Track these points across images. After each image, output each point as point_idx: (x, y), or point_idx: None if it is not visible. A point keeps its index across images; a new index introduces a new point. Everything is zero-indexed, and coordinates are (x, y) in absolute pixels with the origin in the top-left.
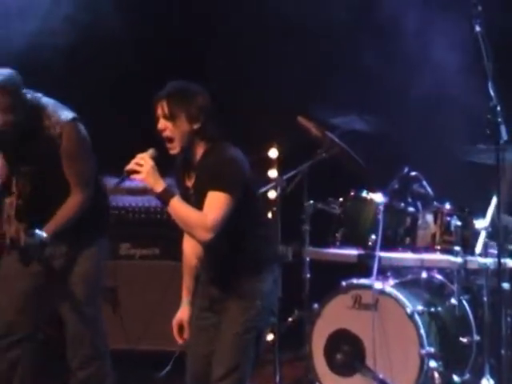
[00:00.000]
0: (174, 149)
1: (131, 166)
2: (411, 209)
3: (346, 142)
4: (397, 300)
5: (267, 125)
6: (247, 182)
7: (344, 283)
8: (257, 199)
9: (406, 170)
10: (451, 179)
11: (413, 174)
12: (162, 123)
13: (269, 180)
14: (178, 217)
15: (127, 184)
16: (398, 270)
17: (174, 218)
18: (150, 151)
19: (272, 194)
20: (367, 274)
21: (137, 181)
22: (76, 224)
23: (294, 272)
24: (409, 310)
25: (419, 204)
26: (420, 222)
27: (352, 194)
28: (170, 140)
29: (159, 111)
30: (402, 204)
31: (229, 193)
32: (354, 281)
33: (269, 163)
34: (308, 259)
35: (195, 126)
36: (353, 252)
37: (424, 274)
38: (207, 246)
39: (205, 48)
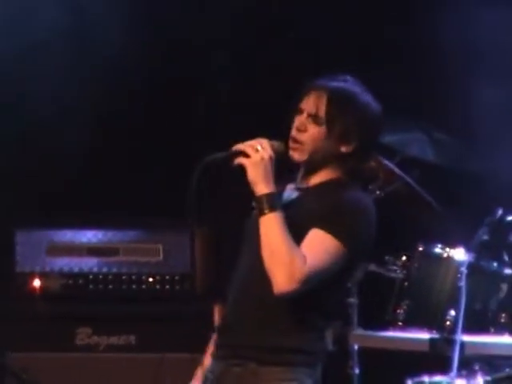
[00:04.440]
0: (299, 153)
1: (243, 145)
2: (509, 271)
3: (411, 173)
4: None
5: None
6: (366, 249)
7: (410, 382)
8: (351, 277)
9: (499, 213)
10: None
11: (510, 218)
12: (305, 123)
13: None
14: (269, 240)
15: (88, 238)
16: (489, 362)
17: (262, 239)
18: (277, 143)
19: None
20: (444, 367)
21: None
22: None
23: (337, 366)
24: None
25: None
26: None
27: (420, 249)
28: (301, 143)
29: (309, 104)
30: (495, 264)
31: (345, 245)
32: (426, 378)
33: None
34: (356, 347)
35: (344, 149)
36: (422, 336)
37: None
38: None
39: None
